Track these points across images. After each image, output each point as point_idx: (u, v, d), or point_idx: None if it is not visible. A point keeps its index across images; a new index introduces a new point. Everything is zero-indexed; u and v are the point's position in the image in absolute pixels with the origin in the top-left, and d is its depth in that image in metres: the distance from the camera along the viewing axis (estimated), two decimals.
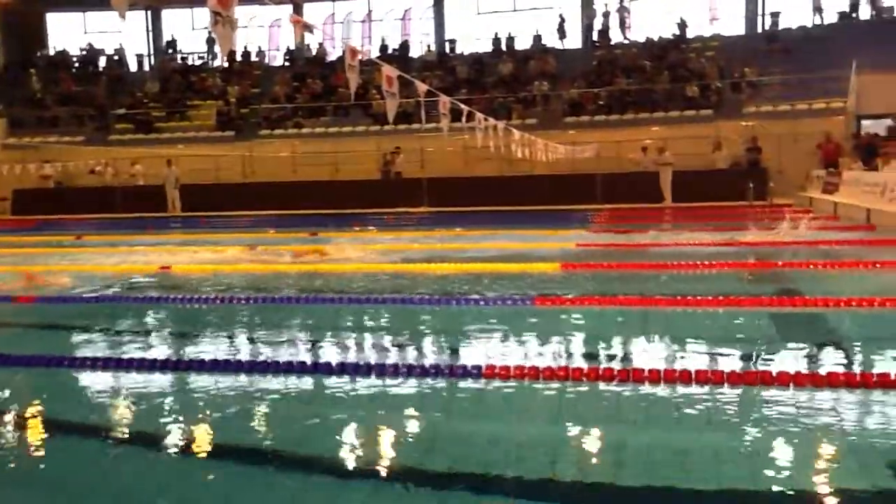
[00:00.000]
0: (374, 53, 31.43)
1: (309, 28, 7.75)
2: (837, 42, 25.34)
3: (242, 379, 5.07)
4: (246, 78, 31.66)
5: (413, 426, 4.32)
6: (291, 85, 30.49)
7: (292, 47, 33.59)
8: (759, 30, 29.84)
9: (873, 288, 7.64)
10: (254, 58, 33.39)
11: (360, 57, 8.50)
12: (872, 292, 7.15)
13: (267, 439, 4.19)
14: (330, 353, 6.03)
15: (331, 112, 28.39)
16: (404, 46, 32.93)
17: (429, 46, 33.13)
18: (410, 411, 4.49)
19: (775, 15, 29.56)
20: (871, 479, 3.37)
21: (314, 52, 33.08)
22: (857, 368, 5.14)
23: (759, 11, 30.26)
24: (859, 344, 5.96)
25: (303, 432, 4.21)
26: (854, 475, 3.46)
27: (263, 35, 34.80)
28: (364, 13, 35.40)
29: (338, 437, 4.06)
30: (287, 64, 33.17)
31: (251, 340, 6.66)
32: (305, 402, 4.82)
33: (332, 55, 31.82)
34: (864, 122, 23.30)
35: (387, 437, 4.11)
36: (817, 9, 28.78)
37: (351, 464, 3.78)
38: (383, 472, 3.62)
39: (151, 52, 36.35)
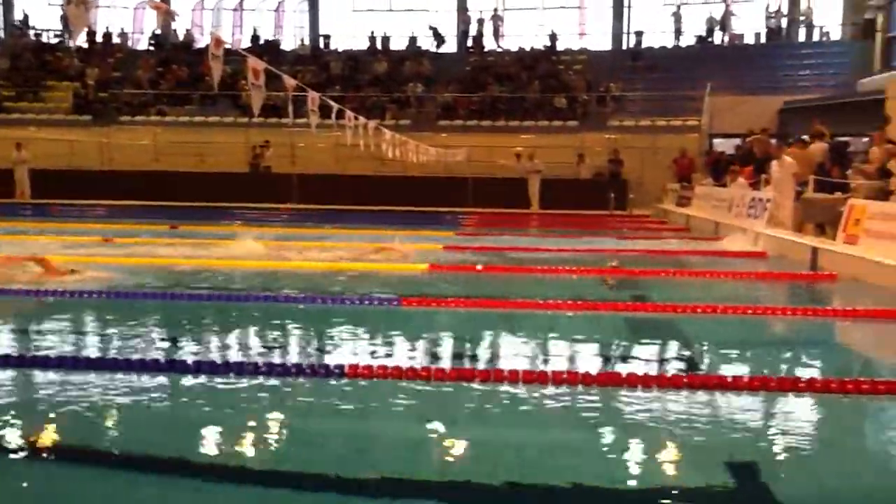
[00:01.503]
0: (245, 44, 30.61)
1: (171, 15, 7.43)
2: (695, 63, 26.90)
3: (92, 378, 4.77)
4: (106, 60, 30.06)
5: (273, 426, 4.20)
6: (155, 70, 29.21)
7: (158, 31, 32.21)
8: (625, 47, 31.21)
9: (717, 295, 8.11)
10: (115, 39, 31.76)
11: (225, 46, 8.23)
12: (716, 299, 7.58)
13: (122, 441, 3.95)
14: (187, 352, 5.78)
15: (197, 101, 27.40)
16: (276, 39, 32.26)
17: (302, 40, 32.61)
18: (272, 411, 4.37)
19: (639, 34, 31.03)
20: (713, 476, 3.55)
21: (181, 38, 31.84)
22: (703, 370, 5.42)
23: (625, 30, 31.65)
24: (704, 347, 6.30)
25: (159, 434, 4.01)
26: (698, 471, 3.64)
27: (128, 16, 33.18)
28: (236, 2, 34.41)
29: (196, 439, 3.89)
30: (152, 48, 31.77)
31: (103, 337, 6.29)
32: (161, 402, 4.59)
33: (201, 42, 30.75)
34: (716, 141, 24.81)
35: (247, 437, 3.97)
36: (677, 31, 30.42)
37: (212, 465, 3.62)
38: (244, 474, 3.50)
39: (1, 27, 33.90)
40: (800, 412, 4.65)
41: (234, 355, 5.69)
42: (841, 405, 4.63)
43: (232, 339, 6.33)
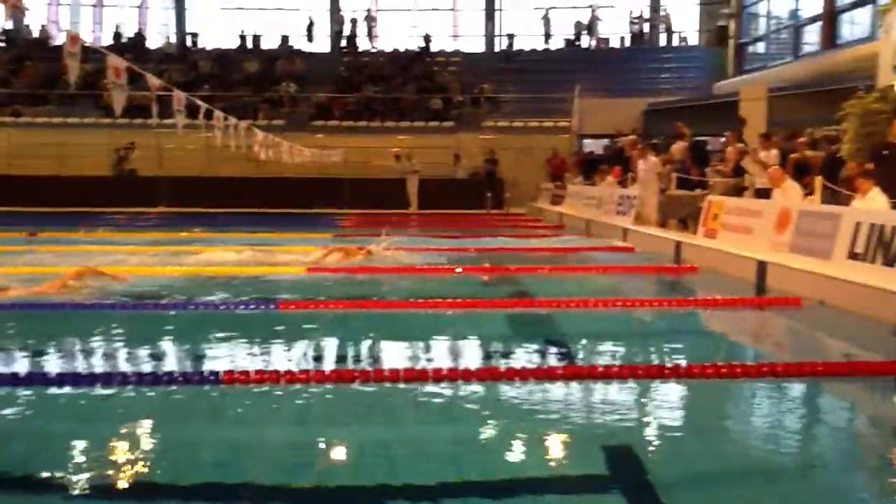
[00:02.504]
0: (107, 41, 29.24)
1: (19, 8, 7.01)
2: (564, 66, 27.74)
3: None
4: None
5: (146, 436, 4.03)
6: (7, 68, 27.44)
7: (10, 27, 30.24)
8: (497, 49, 31.83)
9: (588, 289, 8.40)
10: None
11: (83, 44, 7.84)
12: (587, 293, 7.86)
13: None
14: (52, 363, 5.46)
15: (56, 100, 25.92)
16: (140, 36, 30.95)
17: (168, 38, 31.42)
18: (144, 421, 4.19)
19: (511, 36, 31.71)
20: (588, 462, 3.68)
21: (36, 34, 30.05)
22: (577, 362, 5.60)
23: (497, 32, 32.28)
24: (577, 340, 6.51)
25: (23, 449, 3.77)
26: (574, 459, 3.76)
27: None
28: None
29: (65, 453, 3.67)
30: (3, 45, 29.82)
31: None
32: (24, 416, 4.31)
33: (59, 39, 29.10)
34: (586, 141, 25.70)
35: (119, 449, 3.79)
36: (547, 34, 31.29)
37: (81, 480, 3.43)
38: (117, 486, 3.34)
39: None
40: (667, 397, 4.89)
41: (103, 366, 5.42)
42: (704, 389, 4.90)
43: (100, 349, 6.02)
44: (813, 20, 20.18)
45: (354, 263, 9.94)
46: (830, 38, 19.06)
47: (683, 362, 5.63)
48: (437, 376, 4.81)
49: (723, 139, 14.89)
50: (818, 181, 9.86)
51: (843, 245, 7.68)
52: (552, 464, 3.75)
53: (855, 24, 18.87)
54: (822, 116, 13.82)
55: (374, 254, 10.43)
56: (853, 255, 7.48)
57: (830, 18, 19.14)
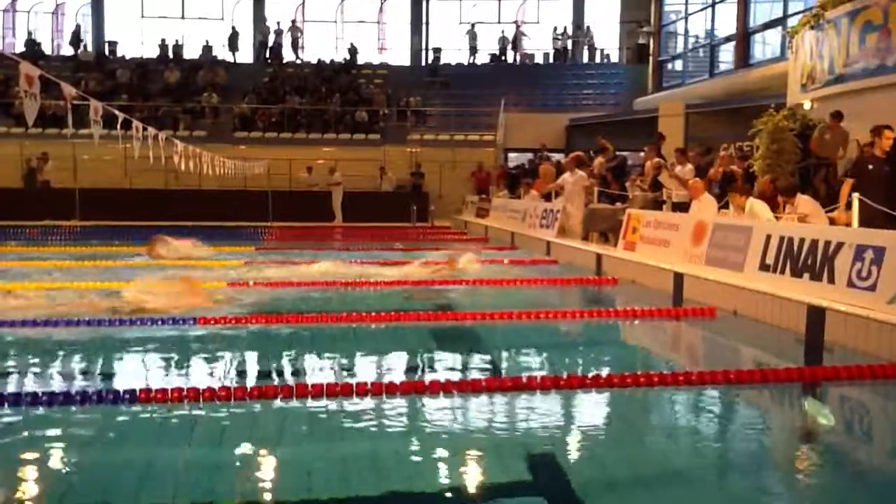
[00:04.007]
0: (19, 48, 28.23)
1: None
2: (489, 81, 28.04)
3: None
4: None
5: (55, 458, 3.87)
6: None
7: None
8: (423, 63, 31.98)
9: (512, 301, 8.49)
10: None
11: None
12: (510, 305, 7.93)
13: None
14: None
15: None
16: (56, 44, 29.98)
17: (85, 46, 30.50)
18: (53, 443, 4.03)
19: (437, 50, 31.90)
20: (513, 472, 3.71)
21: None
22: (502, 374, 5.64)
23: (423, 46, 32.44)
24: (500, 352, 6.56)
25: None
26: (499, 469, 3.78)
27: None
28: (7, 2, 31.58)
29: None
30: None
31: None
32: None
33: None
34: (511, 155, 26.02)
35: (28, 470, 3.63)
36: (472, 49, 31.60)
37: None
38: None
39: None
40: (587, 407, 4.97)
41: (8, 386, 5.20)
42: (623, 398, 5.00)
43: (10, 368, 5.77)
44: (727, 39, 20.95)
45: (443, 276, 10.22)
46: (744, 57, 19.82)
47: (604, 372, 5.74)
48: (361, 391, 4.77)
49: (642, 154, 15.28)
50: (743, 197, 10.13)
51: (754, 257, 7.97)
52: (474, 474, 3.77)
53: (766, 44, 19.68)
54: (736, 133, 14.35)
55: (456, 267, 10.81)
56: (764, 267, 7.77)
57: (743, 38, 19.90)
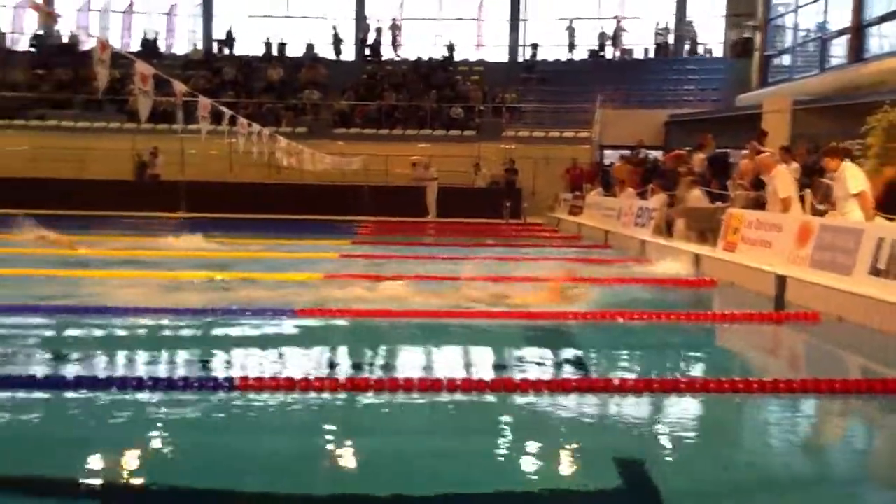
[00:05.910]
0: (135, 48, 29.60)
1: (53, 17, 7.15)
2: (587, 76, 27.72)
3: None
4: None
5: (158, 441, 4.07)
6: (34, 73, 27.85)
7: (40, 32, 30.71)
8: (520, 59, 31.86)
9: (608, 301, 8.35)
10: None
11: (111, 51, 7.95)
12: (606, 305, 7.82)
13: None
14: (71, 368, 5.54)
15: (80, 105, 26.26)
16: (168, 42, 31.34)
17: (195, 45, 31.78)
18: (159, 425, 4.24)
19: (535, 47, 31.73)
20: (603, 476, 3.67)
21: (66, 39, 30.49)
22: (594, 375, 5.58)
23: (521, 42, 32.32)
24: (592, 352, 6.49)
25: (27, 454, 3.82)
26: (587, 472, 3.75)
27: (6, 16, 31.45)
28: (125, 4, 33.17)
29: (79, 457, 3.73)
30: (33, 50, 30.28)
31: None
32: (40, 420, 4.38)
33: (87, 44, 29.51)
34: (606, 152, 25.63)
35: (130, 453, 3.84)
36: (571, 44, 31.29)
37: (80, 483, 3.48)
38: (128, 488, 3.39)
39: None
40: (682, 411, 4.86)
41: (118, 370, 5.49)
42: (720, 403, 4.86)
43: (119, 353, 6.10)
44: (840, 33, 20.01)
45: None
46: (857, 51, 18.88)
47: (700, 376, 5.60)
48: (452, 387, 4.81)
49: (744, 152, 14.76)
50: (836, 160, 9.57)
51: (865, 260, 7.60)
52: (563, 476, 3.75)
53: (883, 37, 18.70)
54: (845, 130, 13.69)
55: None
56: (875, 271, 7.40)
57: (858, 31, 18.97)
